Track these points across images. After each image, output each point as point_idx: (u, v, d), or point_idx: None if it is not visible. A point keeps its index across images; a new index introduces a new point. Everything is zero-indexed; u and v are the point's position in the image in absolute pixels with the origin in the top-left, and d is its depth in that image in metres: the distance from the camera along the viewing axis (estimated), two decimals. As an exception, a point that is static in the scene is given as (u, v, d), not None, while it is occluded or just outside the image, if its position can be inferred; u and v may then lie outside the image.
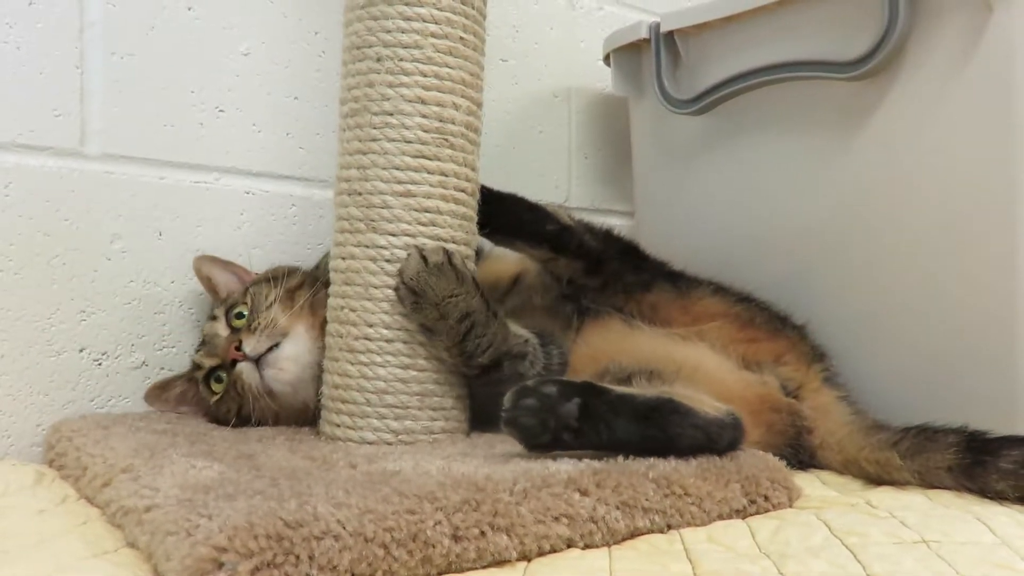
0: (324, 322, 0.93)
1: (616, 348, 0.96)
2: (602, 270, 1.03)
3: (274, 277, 1.00)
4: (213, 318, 1.00)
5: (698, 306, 1.02)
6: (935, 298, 0.96)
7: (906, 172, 0.98)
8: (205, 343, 0.99)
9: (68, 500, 0.78)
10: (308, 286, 0.98)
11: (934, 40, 0.95)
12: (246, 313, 0.96)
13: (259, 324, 0.93)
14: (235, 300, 0.99)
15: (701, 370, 0.90)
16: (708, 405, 0.80)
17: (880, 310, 1.02)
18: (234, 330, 0.96)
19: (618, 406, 0.77)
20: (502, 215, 0.99)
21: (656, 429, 0.77)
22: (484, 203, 0.95)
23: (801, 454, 0.92)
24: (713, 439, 0.79)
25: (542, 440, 0.75)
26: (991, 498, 0.79)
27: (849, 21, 1.02)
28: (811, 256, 1.09)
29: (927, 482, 0.83)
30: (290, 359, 0.93)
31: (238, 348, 0.93)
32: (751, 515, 0.76)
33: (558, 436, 0.75)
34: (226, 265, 1.06)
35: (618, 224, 1.21)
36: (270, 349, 0.93)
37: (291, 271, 1.02)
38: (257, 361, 0.92)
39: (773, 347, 0.99)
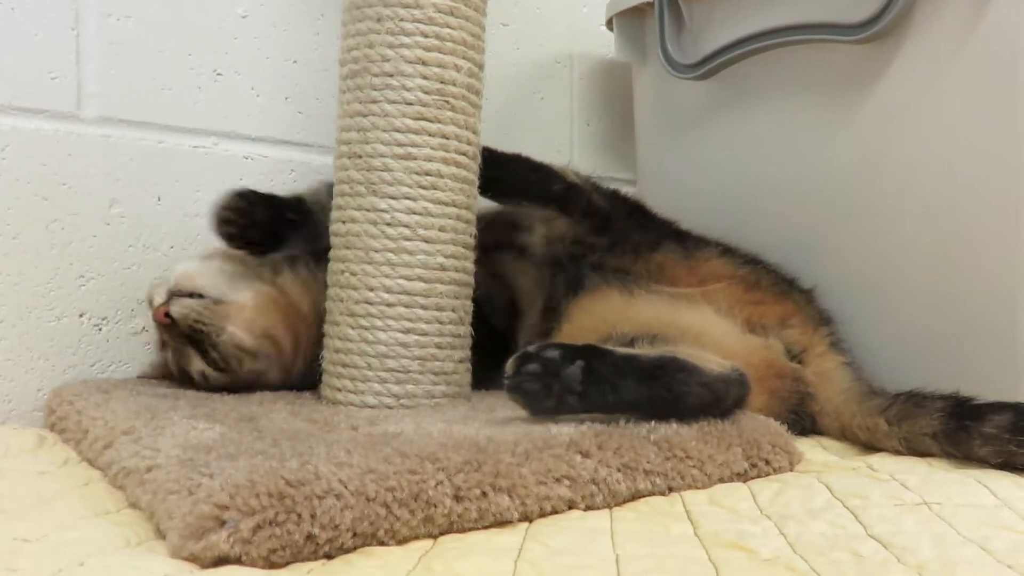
0: None
1: (618, 316, 0.95)
2: (610, 229, 1.02)
3: None
4: None
5: (704, 267, 1.01)
6: (937, 266, 0.95)
7: (911, 138, 0.97)
8: None
9: (69, 463, 0.78)
10: None
11: (941, 4, 0.93)
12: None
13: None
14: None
15: (705, 334, 0.90)
16: (713, 362, 0.80)
17: (883, 277, 1.01)
18: None
19: (622, 367, 0.76)
20: (507, 177, 0.98)
21: (662, 388, 0.76)
22: (488, 165, 0.94)
23: (803, 420, 0.92)
24: (719, 396, 0.78)
25: (546, 405, 0.75)
26: (976, 464, 0.78)
27: (856, -18, 1.00)
28: (814, 222, 1.08)
29: (913, 449, 0.82)
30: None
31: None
32: (752, 478, 0.76)
33: (562, 400, 0.75)
34: None
35: (621, 191, 1.20)
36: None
37: None
38: None
39: (779, 310, 0.98)
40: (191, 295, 0.91)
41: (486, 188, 0.94)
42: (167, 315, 0.89)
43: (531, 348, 0.76)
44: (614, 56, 1.33)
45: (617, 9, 1.29)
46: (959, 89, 0.93)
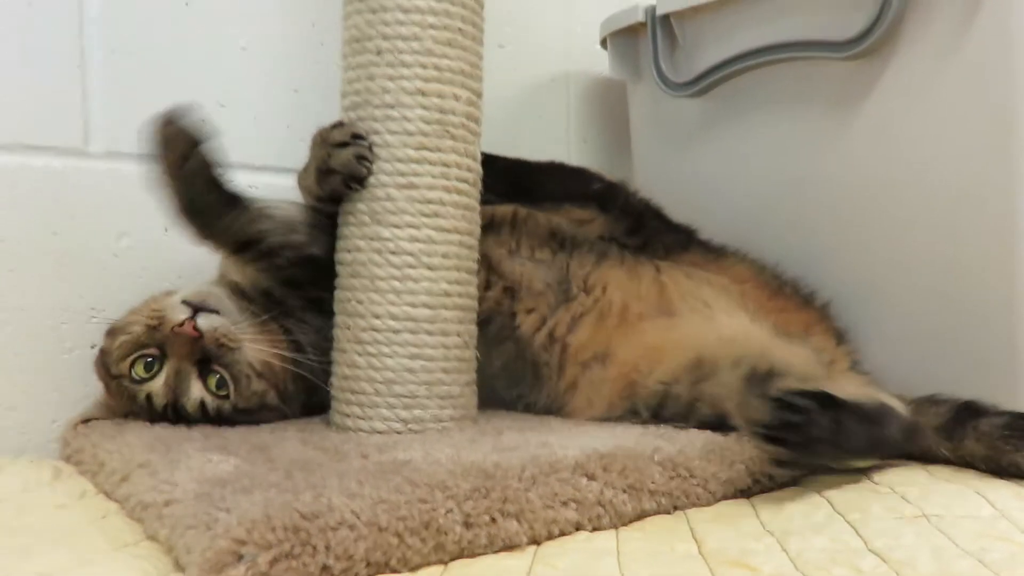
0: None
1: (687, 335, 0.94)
2: (643, 228, 1.04)
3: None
4: None
5: (731, 269, 1.03)
6: (934, 274, 0.97)
7: (904, 149, 0.99)
8: None
9: (87, 495, 0.80)
10: None
11: (929, 19, 0.95)
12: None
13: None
14: None
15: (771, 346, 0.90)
16: (896, 403, 0.82)
17: (880, 286, 1.03)
18: None
19: (856, 412, 0.76)
20: (546, 182, 1.01)
21: (879, 432, 0.78)
22: (525, 174, 0.98)
23: None
24: (908, 439, 0.81)
25: (800, 455, 0.74)
26: (967, 464, 0.82)
27: (844, 1, 1.02)
28: (811, 235, 1.09)
29: (927, 446, 0.84)
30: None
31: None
32: (756, 494, 0.78)
33: (814, 449, 0.73)
34: None
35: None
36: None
37: None
38: None
39: (802, 318, 0.99)
40: (212, 312, 0.90)
41: (527, 195, 0.98)
42: (195, 328, 0.87)
43: (782, 394, 0.74)
44: (609, 74, 1.35)
45: (611, 28, 1.31)
46: (950, 100, 0.94)
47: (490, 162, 0.95)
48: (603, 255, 1.02)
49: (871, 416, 0.77)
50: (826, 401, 0.74)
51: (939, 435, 0.84)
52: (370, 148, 0.87)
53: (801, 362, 0.87)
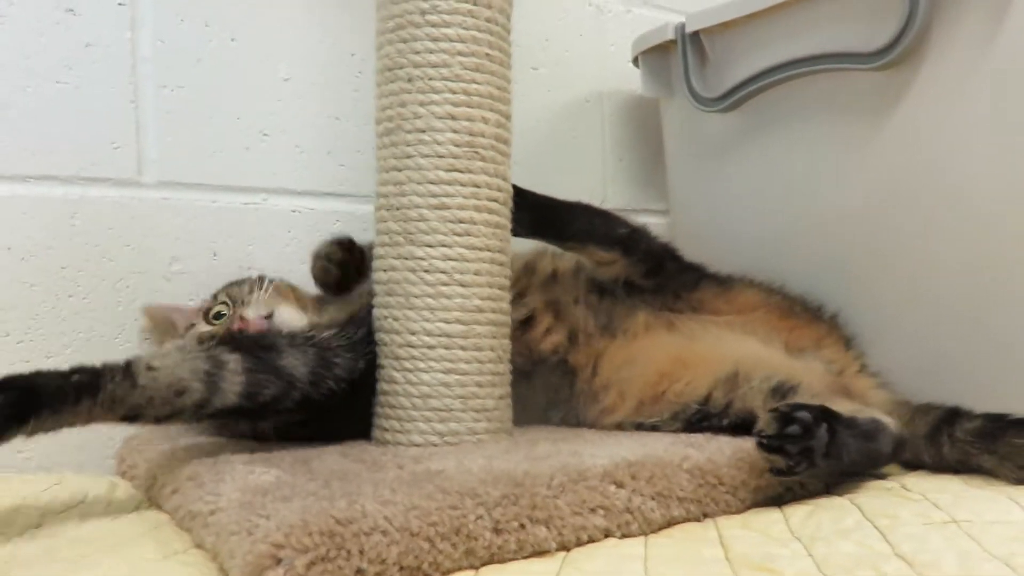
0: (303, 303, 0.99)
1: (693, 354, 0.98)
2: (661, 271, 1.07)
3: (239, 281, 1.03)
4: (182, 336, 1.00)
5: (740, 298, 1.06)
6: (965, 286, 0.96)
7: (935, 159, 0.99)
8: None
9: (140, 508, 0.84)
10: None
11: (957, 27, 0.95)
12: (227, 309, 0.96)
13: (248, 302, 0.95)
14: (208, 307, 0.99)
15: (776, 364, 0.94)
16: (887, 419, 0.85)
17: (910, 299, 1.02)
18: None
19: (851, 427, 0.79)
20: (574, 222, 1.05)
21: (875, 446, 0.81)
22: (553, 211, 1.01)
23: None
24: (897, 452, 0.84)
25: (800, 468, 0.75)
26: (950, 469, 0.84)
27: (871, 12, 1.02)
28: (842, 247, 1.10)
29: (913, 454, 0.87)
30: (291, 318, 0.95)
31: (242, 319, 0.93)
32: (788, 503, 0.78)
33: (811, 462, 0.75)
34: (174, 308, 1.07)
35: (653, 222, 1.23)
36: (269, 316, 0.94)
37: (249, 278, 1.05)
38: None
39: (813, 332, 1.02)
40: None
41: (554, 232, 1.03)
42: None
43: (783, 407, 0.76)
44: (642, 92, 1.37)
45: (642, 47, 1.33)
46: (980, 108, 0.94)
47: (520, 195, 0.99)
48: (634, 303, 1.06)
49: (865, 431, 0.81)
50: (825, 415, 0.76)
51: (924, 442, 0.86)
52: None
53: (814, 380, 0.91)
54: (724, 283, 1.08)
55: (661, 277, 1.06)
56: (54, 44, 1.03)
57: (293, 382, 0.83)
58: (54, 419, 0.72)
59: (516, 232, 0.99)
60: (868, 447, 0.80)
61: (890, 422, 0.84)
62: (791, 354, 0.99)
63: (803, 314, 1.04)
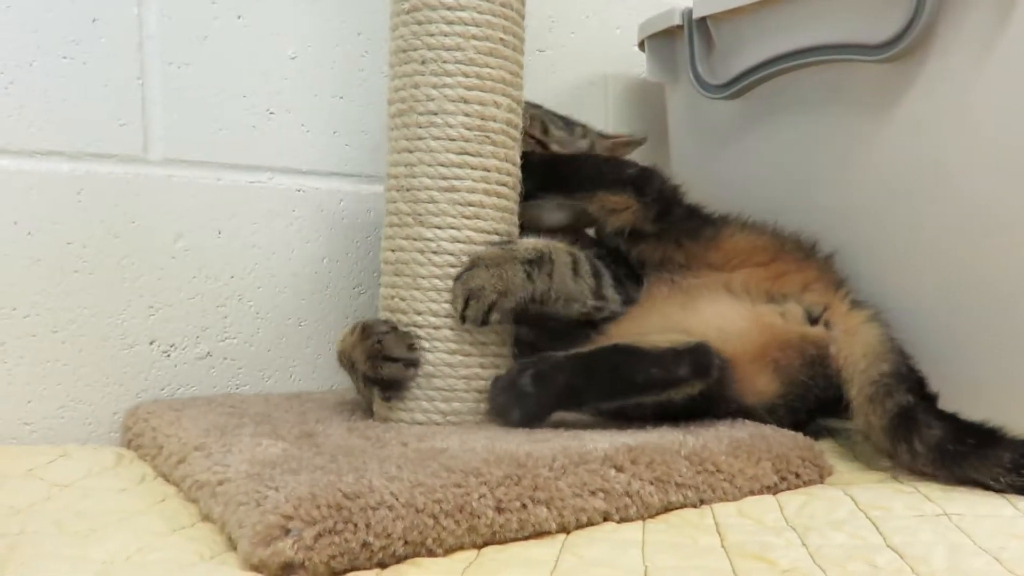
0: None
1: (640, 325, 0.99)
2: (668, 216, 1.04)
3: None
4: None
5: (729, 244, 1.05)
6: (967, 280, 0.97)
7: (940, 150, 0.99)
8: None
9: (146, 479, 0.84)
10: None
11: (964, 20, 0.96)
12: None
13: None
14: None
15: (704, 321, 0.95)
16: (660, 340, 0.86)
17: (914, 289, 1.03)
18: None
19: (565, 365, 0.85)
20: (580, 168, 1.05)
21: (610, 374, 0.85)
22: (558, 166, 1.02)
23: (829, 389, 0.92)
24: (670, 369, 0.84)
25: (514, 416, 0.86)
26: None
27: (878, 4, 1.03)
28: (846, 237, 1.10)
29: (869, 439, 0.87)
30: None
31: None
32: (782, 491, 0.80)
33: (526, 407, 0.86)
34: None
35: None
36: None
37: None
38: None
39: (801, 277, 1.01)
40: None
41: (562, 184, 1.02)
42: None
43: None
44: (647, 77, 1.37)
45: (649, 32, 1.33)
46: (987, 100, 0.95)
47: (525, 158, 0.98)
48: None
49: (589, 361, 0.86)
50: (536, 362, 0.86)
51: (883, 436, 0.84)
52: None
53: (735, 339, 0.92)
54: (718, 228, 1.06)
55: (666, 223, 1.04)
56: (60, 19, 1.03)
57: None
58: None
59: (526, 196, 0.99)
60: (605, 376, 0.85)
61: (645, 345, 0.85)
62: (769, 300, 0.98)
63: (793, 255, 1.04)
